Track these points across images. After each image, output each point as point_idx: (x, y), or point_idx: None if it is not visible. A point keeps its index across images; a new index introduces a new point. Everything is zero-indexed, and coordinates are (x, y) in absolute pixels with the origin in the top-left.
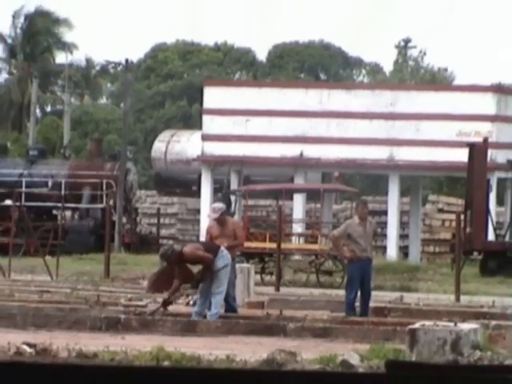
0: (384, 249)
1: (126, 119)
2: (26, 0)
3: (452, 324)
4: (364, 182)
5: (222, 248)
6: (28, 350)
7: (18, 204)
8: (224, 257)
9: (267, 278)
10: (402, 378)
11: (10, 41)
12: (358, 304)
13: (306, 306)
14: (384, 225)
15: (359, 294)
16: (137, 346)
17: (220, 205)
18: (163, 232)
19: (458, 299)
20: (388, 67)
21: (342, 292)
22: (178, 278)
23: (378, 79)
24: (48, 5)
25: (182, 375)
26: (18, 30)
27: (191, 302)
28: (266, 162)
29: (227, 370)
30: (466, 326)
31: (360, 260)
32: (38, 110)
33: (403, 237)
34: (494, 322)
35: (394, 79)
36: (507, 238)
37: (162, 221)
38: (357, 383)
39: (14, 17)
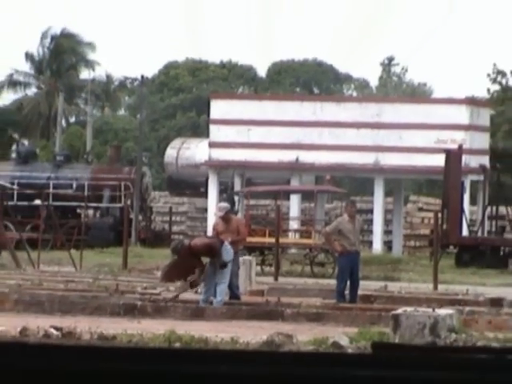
0: (370, 243)
1: (141, 128)
2: (52, 22)
3: (430, 310)
4: (352, 184)
5: (226, 243)
6: (55, 332)
7: (46, 203)
8: (227, 250)
9: (267, 268)
10: (387, 358)
11: (37, 59)
12: (347, 292)
13: (301, 293)
14: (370, 222)
15: (349, 283)
16: (151, 330)
17: (225, 204)
18: (175, 228)
19: (435, 288)
20: (374, 82)
21: (333, 281)
22: (198, 265)
23: (364, 93)
24: (72, 26)
25: (190, 356)
26: (46, 50)
27: (199, 290)
28: (266, 166)
29: (231, 351)
30: (442, 312)
31: (349, 253)
32: (63, 121)
33: (387, 232)
34: (467, 308)
35: (380, 93)
36: (479, 234)
37: (173, 218)
38: (345, 363)
39: (41, 38)
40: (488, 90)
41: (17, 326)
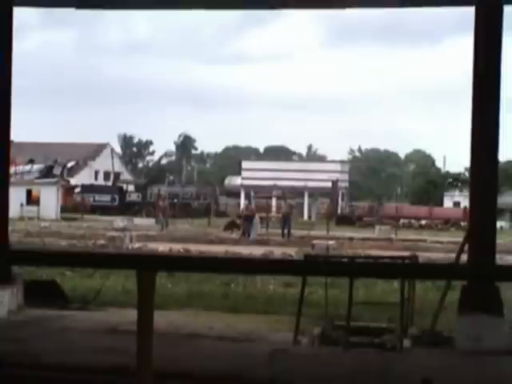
0: (303, 216)
1: (215, 173)
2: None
3: (326, 242)
4: (296, 193)
5: (256, 216)
6: (182, 250)
7: (177, 201)
8: (256, 218)
9: (264, 225)
10: (311, 261)
11: (175, 149)
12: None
13: (278, 235)
14: (302, 208)
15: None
16: (219, 250)
17: (246, 201)
18: (228, 209)
19: (328, 233)
20: (304, 154)
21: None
22: (238, 225)
23: (300, 160)
24: (190, 132)
25: (234, 261)
26: (179, 146)
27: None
28: (263, 186)
29: (248, 258)
30: (331, 242)
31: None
32: (184, 170)
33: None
34: (340, 240)
35: (308, 158)
36: (345, 212)
37: (228, 206)
38: (294, 264)
39: (178, 137)
40: (348, 157)
41: (166, 248)
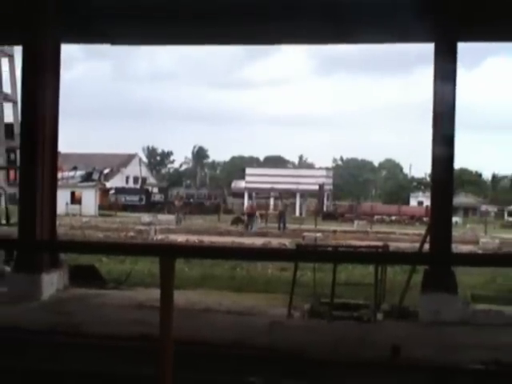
0: (295, 212)
1: (223, 178)
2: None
3: (314, 234)
4: (290, 195)
5: (257, 213)
6: (196, 241)
7: (192, 200)
8: (256, 215)
9: (263, 220)
10: (302, 250)
11: (191, 157)
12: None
13: (275, 228)
14: (294, 207)
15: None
16: (227, 240)
17: (250, 202)
18: (234, 208)
19: (315, 226)
20: (295, 163)
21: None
22: (242, 220)
23: (293, 167)
24: (204, 144)
25: (238, 250)
26: (194, 155)
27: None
28: (263, 189)
29: (250, 247)
30: (318, 234)
31: (281, 214)
32: (198, 176)
33: (300, 209)
34: (325, 233)
35: (299, 166)
36: (329, 210)
37: (233, 205)
38: (287, 252)
39: (192, 151)
40: (332, 165)
41: (184, 239)
